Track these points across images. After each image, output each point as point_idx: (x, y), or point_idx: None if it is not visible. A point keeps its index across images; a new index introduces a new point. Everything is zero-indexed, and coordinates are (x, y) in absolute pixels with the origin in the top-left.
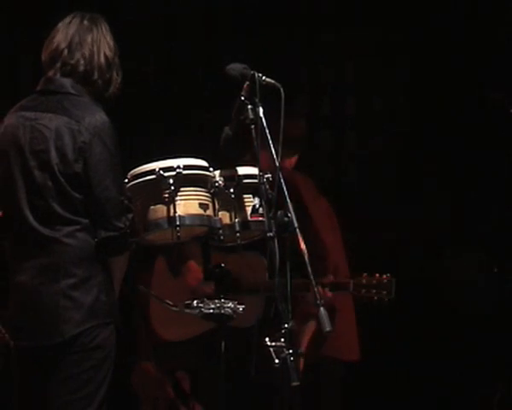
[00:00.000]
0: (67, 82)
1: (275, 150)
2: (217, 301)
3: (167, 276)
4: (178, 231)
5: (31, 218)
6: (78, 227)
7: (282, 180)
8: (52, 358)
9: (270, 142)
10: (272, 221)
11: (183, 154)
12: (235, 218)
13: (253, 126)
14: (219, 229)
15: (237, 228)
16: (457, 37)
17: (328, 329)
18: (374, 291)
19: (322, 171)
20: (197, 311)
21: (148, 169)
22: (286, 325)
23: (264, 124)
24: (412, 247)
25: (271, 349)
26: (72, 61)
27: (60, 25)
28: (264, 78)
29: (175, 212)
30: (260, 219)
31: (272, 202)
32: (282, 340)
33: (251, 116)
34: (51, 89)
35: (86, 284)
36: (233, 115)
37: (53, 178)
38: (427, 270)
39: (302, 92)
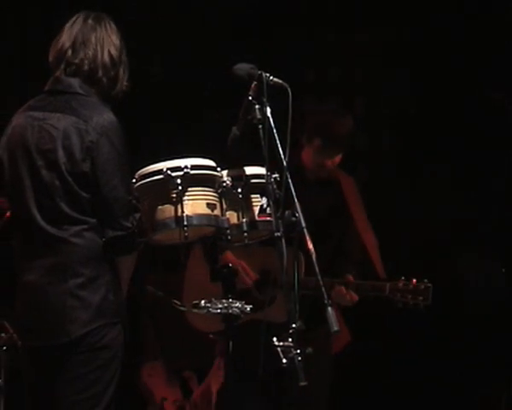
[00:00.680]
0: (75, 82)
1: (282, 150)
2: (224, 301)
3: (203, 266)
4: (186, 231)
5: (38, 217)
6: (85, 227)
7: (289, 180)
8: (59, 358)
9: (278, 142)
10: (280, 221)
11: (190, 154)
12: (243, 218)
13: (260, 126)
14: (227, 229)
15: (245, 228)
16: (457, 37)
17: (335, 329)
18: (410, 296)
19: None
20: (205, 311)
21: (155, 169)
22: (294, 325)
23: (272, 124)
24: (412, 247)
25: (279, 349)
26: (77, 61)
27: (66, 25)
28: (271, 77)
29: (182, 212)
30: (268, 218)
31: (280, 202)
32: (290, 340)
33: (258, 116)
34: (59, 89)
35: (94, 284)
36: (240, 115)
37: (60, 178)
38: (429, 270)
39: (310, 92)
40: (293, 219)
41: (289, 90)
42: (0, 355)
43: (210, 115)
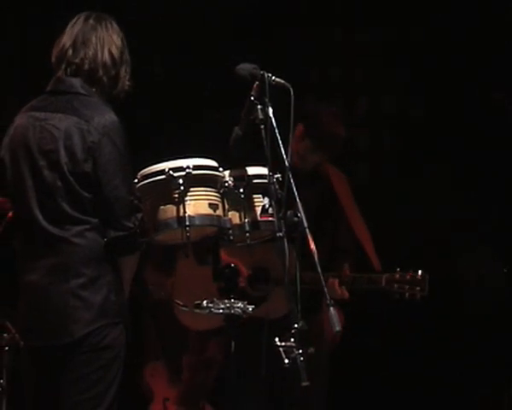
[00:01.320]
0: (77, 82)
1: (284, 150)
2: (226, 301)
3: (193, 264)
4: (188, 232)
5: (40, 217)
6: (87, 227)
7: (291, 180)
8: (61, 358)
9: (280, 142)
10: (282, 221)
11: (192, 154)
12: (245, 218)
13: (262, 126)
14: (229, 229)
15: (247, 228)
16: (458, 37)
17: (337, 329)
18: (407, 287)
19: None
20: (207, 311)
21: (157, 169)
22: (296, 325)
23: (274, 124)
24: (412, 247)
25: (281, 349)
26: (77, 60)
27: (68, 26)
28: (273, 78)
29: (185, 212)
30: (270, 219)
31: (282, 202)
32: (292, 340)
33: (260, 116)
34: (61, 89)
35: (95, 284)
36: (243, 115)
37: (62, 178)
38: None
39: (312, 92)
40: (295, 219)
41: (291, 90)
42: (2, 356)
43: (211, 115)
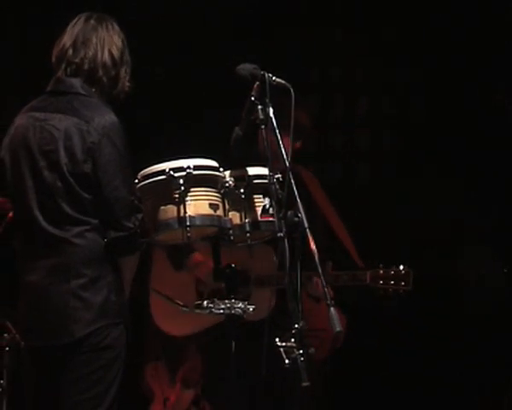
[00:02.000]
0: (77, 82)
1: (285, 150)
2: (227, 301)
3: (168, 269)
4: (189, 232)
5: (40, 218)
6: (87, 227)
7: (292, 180)
8: (62, 358)
9: (281, 142)
10: (282, 221)
11: (192, 154)
12: (246, 218)
13: (263, 127)
14: (229, 229)
15: (247, 228)
16: (458, 37)
17: (338, 330)
18: (392, 283)
19: (334, 170)
20: (207, 311)
21: (158, 169)
22: (296, 325)
23: (275, 124)
24: (412, 247)
25: (282, 349)
26: (77, 60)
27: (68, 26)
28: (274, 78)
29: (185, 212)
30: (270, 219)
31: (282, 202)
32: (293, 340)
33: (261, 116)
34: (61, 89)
35: (96, 285)
36: (243, 115)
37: (62, 179)
38: (429, 270)
39: (312, 92)
40: (296, 219)
41: (292, 90)
42: (2, 356)
43: (212, 115)
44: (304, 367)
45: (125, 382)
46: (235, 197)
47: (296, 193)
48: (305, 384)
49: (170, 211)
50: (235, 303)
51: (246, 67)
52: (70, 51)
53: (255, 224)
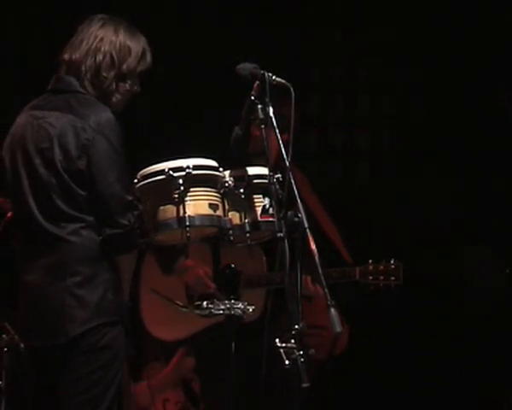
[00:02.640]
0: (75, 81)
1: (285, 150)
2: (227, 302)
3: (157, 273)
4: (188, 232)
5: (39, 216)
6: (82, 225)
7: (292, 180)
8: (60, 358)
9: (281, 141)
10: (282, 221)
11: (192, 154)
12: (245, 218)
13: (263, 126)
14: (229, 229)
15: (247, 229)
16: (457, 37)
17: (338, 330)
18: (381, 278)
19: (334, 170)
20: (207, 312)
21: (157, 169)
22: (296, 326)
23: (275, 124)
24: (412, 247)
25: (282, 350)
26: (75, 61)
27: (80, 26)
28: (274, 77)
29: (184, 212)
30: (270, 219)
31: (282, 203)
32: (293, 341)
33: (261, 116)
34: (60, 87)
35: (92, 283)
36: (243, 115)
37: (57, 175)
38: (429, 270)
39: (312, 92)
40: (296, 219)
41: (292, 89)
42: (1, 357)
43: (212, 115)
44: (304, 368)
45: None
46: (235, 197)
47: (296, 193)
48: (305, 385)
49: (169, 211)
50: (234, 304)
51: (246, 67)
52: (69, 52)
53: (255, 224)
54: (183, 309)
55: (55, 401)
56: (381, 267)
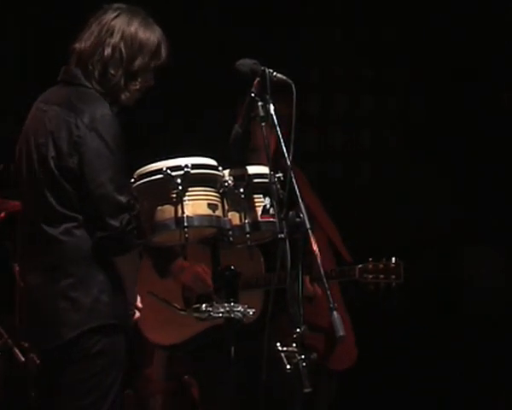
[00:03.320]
0: (80, 73)
1: (286, 149)
2: (226, 304)
3: (153, 276)
4: (186, 233)
5: (38, 216)
6: (75, 224)
7: (293, 180)
8: (58, 361)
9: (282, 140)
10: (284, 222)
11: (191, 153)
12: (245, 219)
13: (263, 124)
14: (229, 230)
15: (247, 229)
16: (457, 37)
17: (340, 334)
18: (382, 276)
19: (334, 170)
20: (206, 315)
21: (155, 168)
22: (298, 330)
23: (275, 121)
24: (412, 247)
25: (283, 354)
26: (83, 52)
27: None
28: (274, 74)
29: (183, 212)
30: (271, 219)
31: (283, 202)
32: (294, 345)
33: (261, 113)
34: (66, 79)
35: (85, 284)
36: (243, 112)
37: (50, 173)
38: (429, 270)
39: (312, 92)
40: (298, 219)
41: (293, 86)
42: None
43: (212, 115)
44: (306, 373)
45: (124, 385)
46: (235, 197)
47: (298, 192)
48: (306, 391)
49: (167, 211)
50: (234, 307)
51: (246, 63)
52: (78, 43)
53: (255, 224)
54: (182, 312)
55: (56, 404)
56: (381, 266)
